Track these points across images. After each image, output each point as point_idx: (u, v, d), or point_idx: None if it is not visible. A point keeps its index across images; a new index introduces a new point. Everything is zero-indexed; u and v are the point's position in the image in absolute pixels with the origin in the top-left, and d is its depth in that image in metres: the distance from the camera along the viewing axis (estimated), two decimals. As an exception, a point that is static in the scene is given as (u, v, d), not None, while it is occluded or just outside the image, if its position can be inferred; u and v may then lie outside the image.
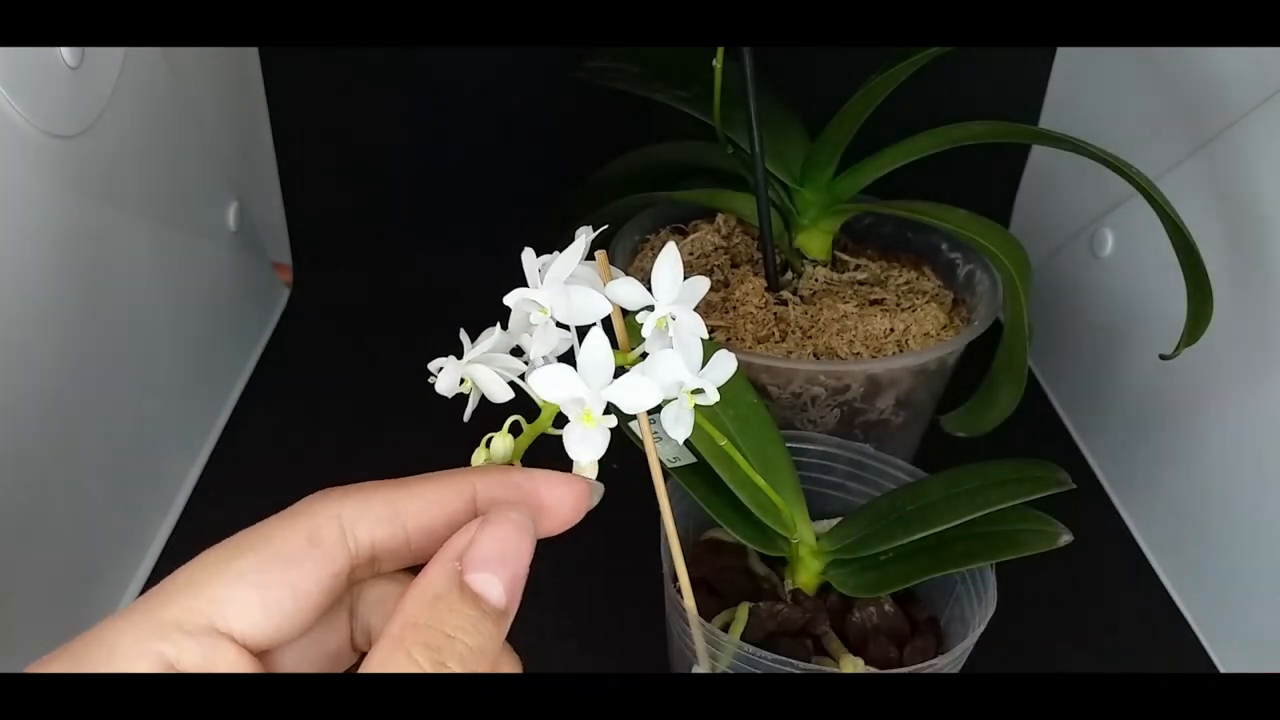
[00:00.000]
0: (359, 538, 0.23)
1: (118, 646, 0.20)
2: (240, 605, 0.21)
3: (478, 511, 0.24)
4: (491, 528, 0.22)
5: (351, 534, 0.22)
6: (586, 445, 0.26)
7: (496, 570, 0.22)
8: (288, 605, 0.21)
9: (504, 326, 0.29)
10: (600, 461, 0.27)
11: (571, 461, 0.27)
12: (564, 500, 0.25)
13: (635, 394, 0.26)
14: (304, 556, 0.22)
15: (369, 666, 0.20)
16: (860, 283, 0.55)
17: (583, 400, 0.26)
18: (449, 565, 0.22)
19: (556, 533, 0.25)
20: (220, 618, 0.21)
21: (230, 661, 0.21)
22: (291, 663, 0.23)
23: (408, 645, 0.20)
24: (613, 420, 0.26)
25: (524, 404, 0.28)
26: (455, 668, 0.20)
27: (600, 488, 0.26)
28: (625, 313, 0.29)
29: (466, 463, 0.27)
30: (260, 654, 0.21)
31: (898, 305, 0.53)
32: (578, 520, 0.26)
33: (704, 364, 0.28)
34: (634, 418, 0.34)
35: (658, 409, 0.28)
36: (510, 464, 0.27)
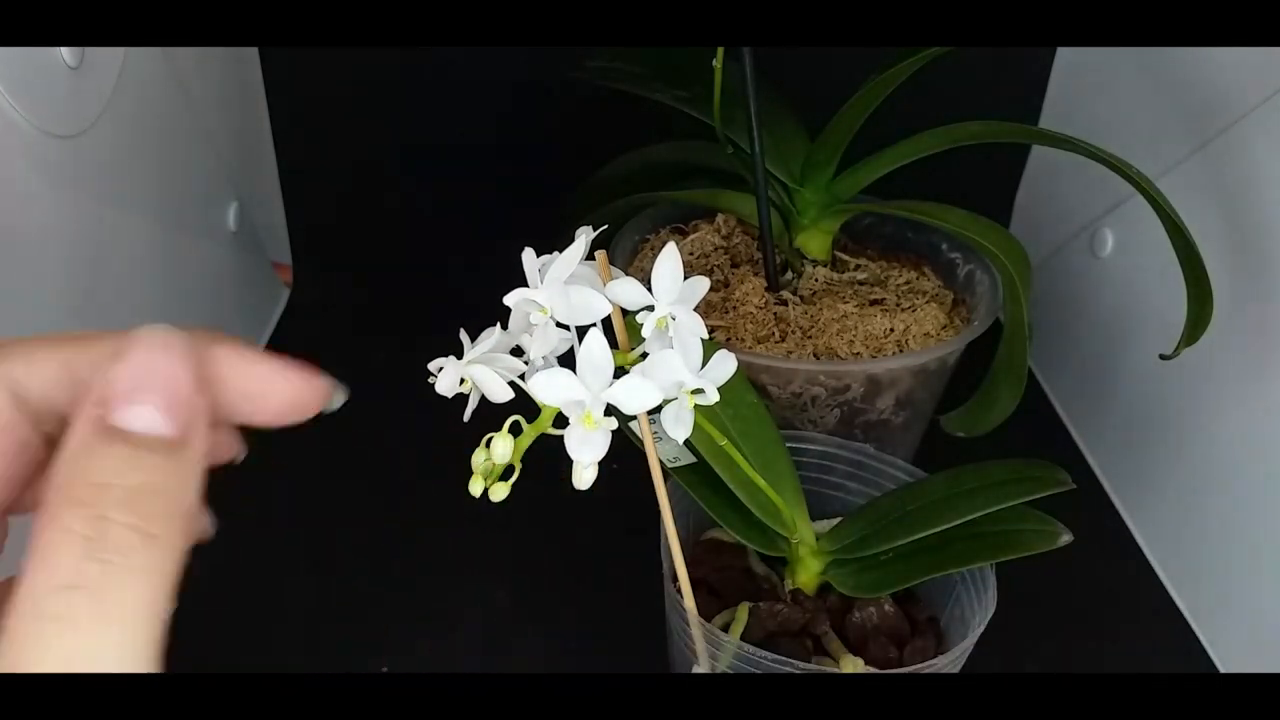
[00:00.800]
0: (34, 401, 0.20)
1: None
2: None
3: None
4: (128, 354, 0.18)
5: (24, 401, 0.20)
6: (588, 447, 0.26)
7: (144, 397, 0.18)
8: None
9: (504, 326, 0.29)
10: (600, 461, 0.27)
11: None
12: (272, 384, 0.21)
13: (635, 396, 0.26)
14: None
15: (34, 546, 0.17)
16: (860, 283, 0.55)
17: (583, 403, 0.26)
18: (86, 411, 0.18)
19: (268, 424, 0.21)
20: None
21: None
22: None
23: (57, 512, 0.17)
24: (614, 422, 0.26)
25: (524, 404, 0.28)
26: (120, 517, 0.17)
27: (342, 392, 0.22)
28: (625, 313, 0.29)
29: (467, 467, 0.27)
30: None
31: (898, 305, 0.53)
32: (284, 418, 0.22)
33: (704, 364, 0.28)
34: (634, 418, 0.34)
35: (658, 409, 0.29)
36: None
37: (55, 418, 0.20)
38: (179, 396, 0.19)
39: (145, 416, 0.18)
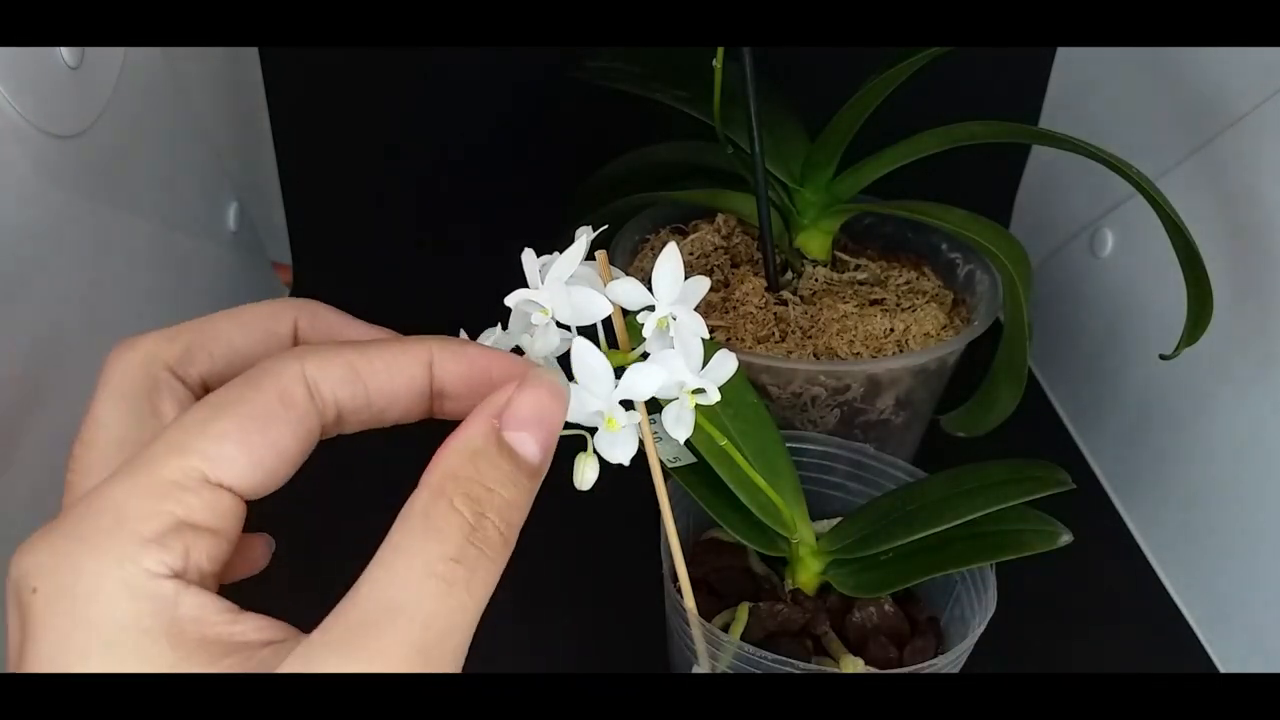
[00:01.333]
0: (324, 396, 0.23)
1: (126, 510, 0.20)
2: (229, 462, 0.21)
3: (434, 379, 0.24)
4: (529, 389, 0.23)
5: (318, 393, 0.23)
6: (619, 448, 0.27)
7: (532, 430, 0.23)
8: (271, 463, 0.22)
9: (504, 326, 0.29)
10: (602, 462, 0.27)
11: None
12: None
13: (644, 382, 0.27)
14: (279, 416, 0.22)
15: (409, 512, 0.21)
16: (860, 283, 0.55)
17: (601, 411, 0.26)
18: (487, 422, 0.23)
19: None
20: (213, 473, 0.21)
21: (232, 510, 0.22)
22: None
23: (449, 495, 0.21)
24: (637, 416, 0.27)
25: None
26: (494, 519, 0.22)
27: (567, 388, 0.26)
28: (626, 313, 0.29)
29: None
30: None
31: (898, 305, 0.53)
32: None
33: (704, 364, 0.28)
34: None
35: (658, 409, 0.29)
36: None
37: (334, 411, 0.23)
38: (552, 437, 0.24)
39: (529, 445, 0.23)
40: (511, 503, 0.22)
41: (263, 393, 0.22)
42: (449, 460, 0.22)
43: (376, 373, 0.24)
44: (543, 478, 0.23)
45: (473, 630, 0.21)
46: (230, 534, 0.22)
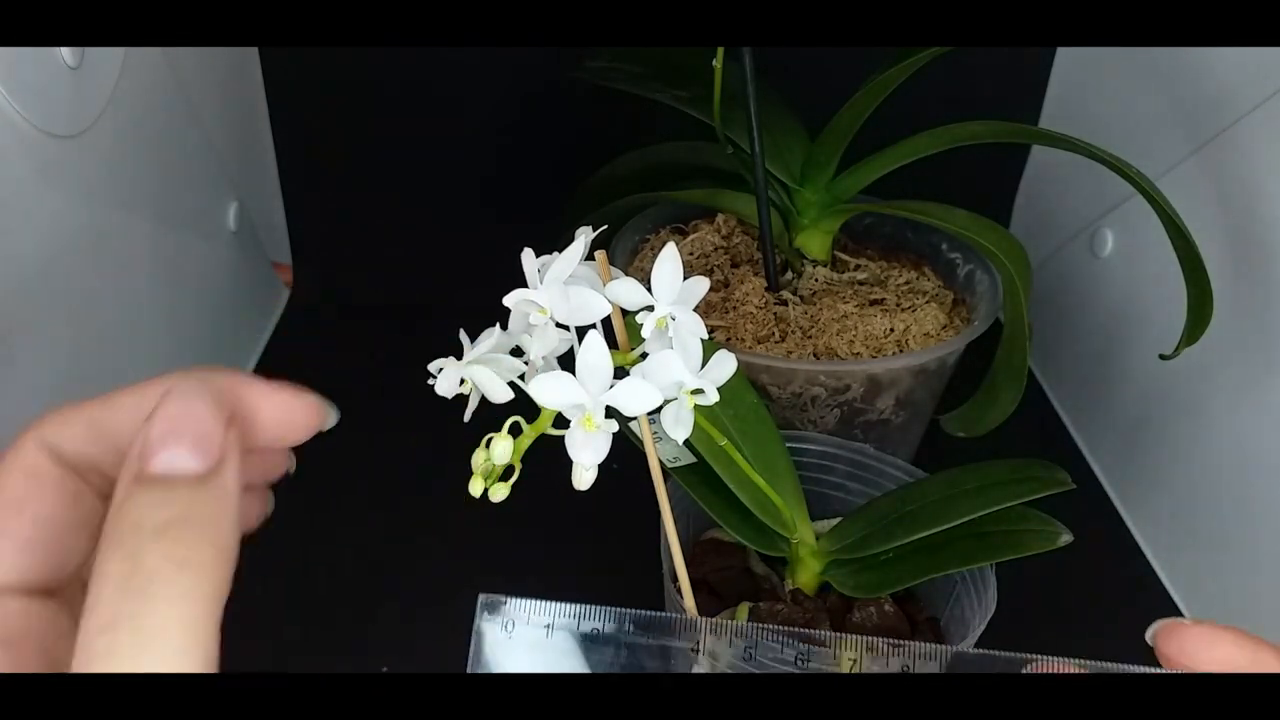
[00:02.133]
0: (69, 457, 0.22)
1: None
2: None
3: None
4: (158, 413, 0.21)
5: (59, 456, 0.22)
6: (588, 449, 0.26)
7: (173, 443, 0.20)
8: (46, 542, 0.21)
9: (504, 327, 0.29)
10: (600, 461, 0.27)
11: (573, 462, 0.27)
12: (277, 413, 0.23)
13: (636, 398, 0.26)
14: (31, 494, 0.21)
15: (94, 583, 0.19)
16: (860, 283, 0.55)
17: (583, 406, 0.26)
18: (129, 468, 0.20)
19: (274, 446, 0.24)
20: None
21: (19, 610, 0.20)
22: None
23: (99, 559, 0.19)
24: (614, 424, 0.26)
25: (524, 404, 0.28)
26: (154, 550, 0.19)
27: (335, 413, 0.25)
28: (625, 313, 0.29)
29: (468, 467, 0.27)
30: (51, 592, 0.21)
31: (898, 305, 0.53)
32: (299, 439, 0.24)
33: (704, 364, 0.28)
34: (634, 418, 0.34)
35: (658, 409, 0.29)
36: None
37: (96, 471, 0.22)
38: (205, 434, 0.20)
39: (176, 458, 0.20)
40: (172, 522, 0.19)
41: (7, 476, 0.21)
42: (105, 532, 0.19)
43: (120, 422, 0.22)
44: (227, 478, 0.21)
45: (190, 662, 0.18)
46: (26, 631, 0.20)
